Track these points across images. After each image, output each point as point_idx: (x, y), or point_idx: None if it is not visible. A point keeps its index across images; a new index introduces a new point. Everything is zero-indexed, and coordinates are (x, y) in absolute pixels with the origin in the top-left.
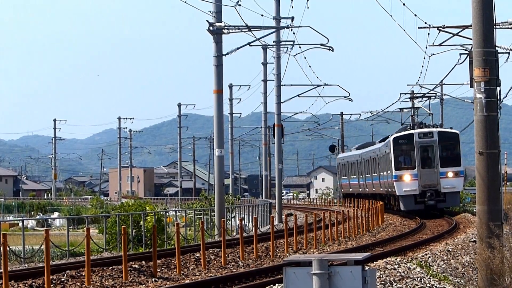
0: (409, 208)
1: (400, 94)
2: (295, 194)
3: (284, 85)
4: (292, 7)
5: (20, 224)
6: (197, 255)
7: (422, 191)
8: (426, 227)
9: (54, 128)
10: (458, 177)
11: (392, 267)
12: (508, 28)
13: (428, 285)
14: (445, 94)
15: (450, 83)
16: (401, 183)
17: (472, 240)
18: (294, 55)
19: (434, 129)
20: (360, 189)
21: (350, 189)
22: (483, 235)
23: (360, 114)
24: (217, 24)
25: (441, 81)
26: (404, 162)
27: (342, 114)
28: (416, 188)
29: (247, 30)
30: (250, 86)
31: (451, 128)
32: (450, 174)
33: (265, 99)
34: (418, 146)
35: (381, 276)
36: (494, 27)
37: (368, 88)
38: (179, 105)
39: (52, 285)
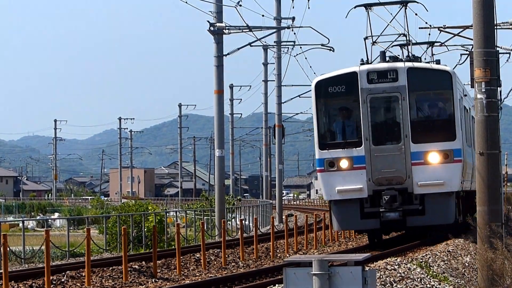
0: (347, 226)
1: None
2: (295, 195)
3: (285, 85)
4: (293, 7)
5: (21, 224)
6: (197, 255)
7: (374, 192)
8: None
9: (55, 129)
10: (451, 162)
11: (392, 267)
12: (509, 28)
13: (428, 285)
14: None
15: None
16: (332, 175)
17: (473, 240)
18: (295, 56)
19: (399, 64)
20: None
21: None
22: (484, 235)
23: None
24: (217, 24)
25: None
26: (340, 133)
27: None
28: (362, 185)
29: (247, 30)
30: (250, 86)
31: (437, 61)
32: (434, 157)
33: (265, 99)
34: (367, 99)
35: (381, 276)
36: (495, 27)
37: None
38: (180, 105)
39: (52, 286)
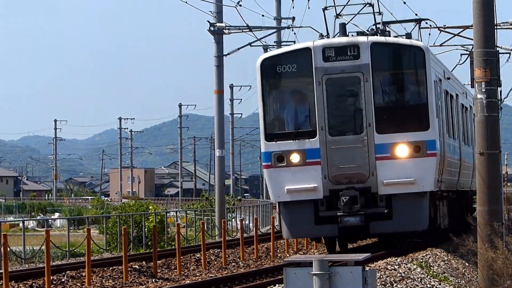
0: (298, 233)
1: None
2: None
3: None
4: (293, 7)
5: (21, 224)
6: (198, 255)
7: (331, 192)
8: None
9: (55, 129)
10: (423, 156)
11: (393, 267)
12: (509, 28)
13: (428, 285)
14: None
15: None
16: (280, 172)
17: (473, 240)
18: None
19: (361, 38)
20: None
21: None
22: (485, 235)
23: None
24: (218, 24)
25: None
26: (290, 121)
27: None
28: (316, 184)
29: (248, 30)
30: (251, 86)
31: (408, 35)
32: (402, 150)
33: None
34: (323, 81)
35: (381, 276)
36: (495, 27)
37: None
38: (180, 105)
39: (52, 286)
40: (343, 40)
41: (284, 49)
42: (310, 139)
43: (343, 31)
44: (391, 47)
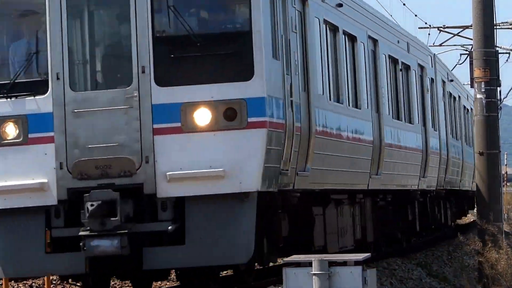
0: (16, 268)
1: None
2: None
3: None
4: None
5: None
6: None
7: (73, 193)
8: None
9: None
10: (242, 128)
11: (393, 267)
12: (508, 28)
13: (428, 285)
14: None
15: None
16: None
17: (474, 240)
18: None
19: None
20: None
21: None
22: (484, 235)
23: None
24: None
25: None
26: (2, 65)
27: None
28: (45, 179)
29: None
30: None
31: None
32: (202, 117)
33: None
34: None
35: (381, 276)
36: (495, 27)
37: None
38: None
39: (52, 286)
40: None
41: None
42: (37, 97)
43: None
44: None
